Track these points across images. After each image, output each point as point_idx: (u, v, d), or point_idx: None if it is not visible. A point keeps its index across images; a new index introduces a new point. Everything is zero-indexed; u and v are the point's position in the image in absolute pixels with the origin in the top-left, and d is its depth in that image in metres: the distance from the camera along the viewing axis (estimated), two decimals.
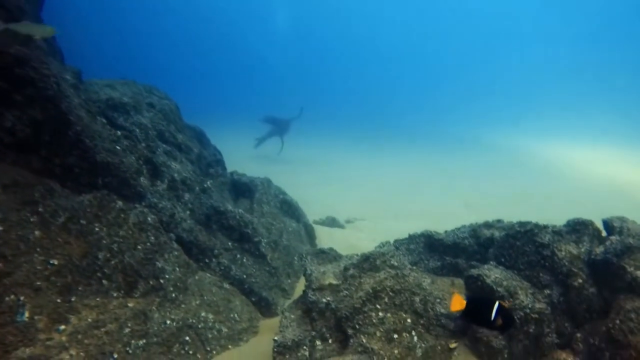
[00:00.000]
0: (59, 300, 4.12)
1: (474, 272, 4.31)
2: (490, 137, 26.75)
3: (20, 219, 4.54)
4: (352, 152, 22.07)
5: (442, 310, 4.19)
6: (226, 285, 5.45)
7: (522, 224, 4.69)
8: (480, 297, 3.91)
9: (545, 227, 4.50)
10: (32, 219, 4.59)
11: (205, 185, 6.32)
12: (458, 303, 3.57)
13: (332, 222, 10.20)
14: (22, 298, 3.84)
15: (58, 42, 6.54)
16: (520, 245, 4.55)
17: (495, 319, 3.33)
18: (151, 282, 4.64)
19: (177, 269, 4.94)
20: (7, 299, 3.86)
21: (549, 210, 11.10)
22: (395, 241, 5.78)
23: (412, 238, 5.67)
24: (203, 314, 4.89)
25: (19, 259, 4.01)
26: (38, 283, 4.05)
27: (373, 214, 11.71)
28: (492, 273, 4.22)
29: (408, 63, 49.83)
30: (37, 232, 4.50)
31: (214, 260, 5.50)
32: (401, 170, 18.02)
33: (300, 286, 6.23)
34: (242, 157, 16.32)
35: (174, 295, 4.75)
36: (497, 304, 3.35)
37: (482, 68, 47.09)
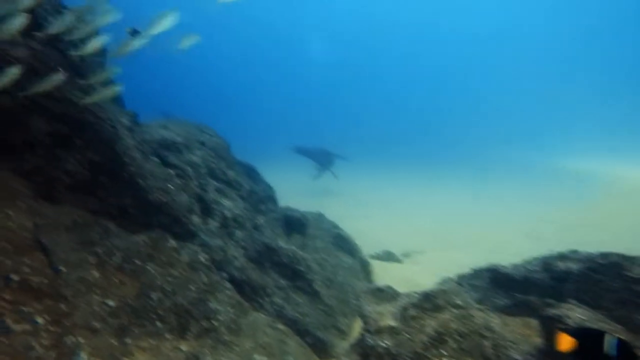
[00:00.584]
0: (114, 342, 4.10)
1: (553, 311, 3.87)
2: (545, 158, 25.40)
3: (79, 260, 4.63)
4: (401, 181, 21.61)
5: (517, 357, 3.76)
6: (280, 326, 5.28)
7: (603, 255, 4.21)
8: (589, 331, 3.37)
9: (633, 258, 4.00)
10: (90, 260, 4.67)
11: (257, 222, 6.27)
12: (566, 342, 3.06)
13: (388, 256, 9.86)
14: (80, 339, 3.85)
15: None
16: (606, 281, 4.06)
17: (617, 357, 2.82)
18: (204, 324, 4.56)
19: (230, 309, 4.84)
20: (66, 340, 3.88)
21: (622, 236, 10.14)
22: (458, 277, 5.40)
23: (476, 273, 5.27)
24: (257, 357, 4.72)
25: (78, 299, 4.06)
26: (95, 324, 4.06)
27: (429, 245, 11.24)
28: (575, 313, 3.77)
29: (451, 87, 48.52)
30: (95, 273, 4.56)
31: (266, 299, 5.37)
32: (453, 199, 17.37)
33: (357, 325, 5.94)
34: (292, 190, 16.19)
35: (227, 337, 4.63)
36: (616, 339, 2.86)
37: (527, 87, 45.17)
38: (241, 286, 5.38)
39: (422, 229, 13.08)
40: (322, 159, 17.29)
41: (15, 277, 4.19)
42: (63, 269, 4.42)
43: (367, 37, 49.77)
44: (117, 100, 6.59)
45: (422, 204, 16.74)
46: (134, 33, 7.99)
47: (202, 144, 6.35)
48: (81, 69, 4.77)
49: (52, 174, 4.74)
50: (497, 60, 48.65)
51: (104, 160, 4.69)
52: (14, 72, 3.90)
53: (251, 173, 8.85)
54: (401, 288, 5.06)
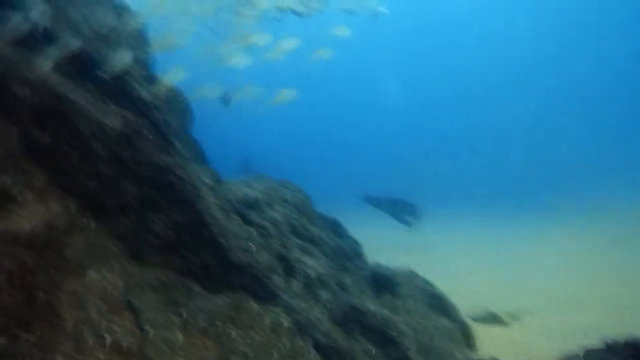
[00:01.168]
0: None
1: None
2: None
3: (165, 321, 4.64)
4: (498, 229, 19.65)
5: None
6: None
7: None
8: None
9: None
10: (175, 321, 4.67)
11: (343, 281, 5.95)
12: None
13: (491, 318, 8.83)
14: None
15: (201, 146, 7.22)
16: None
17: None
18: None
19: None
20: None
21: None
22: (585, 351, 4.47)
23: (611, 348, 4.31)
24: None
25: None
26: None
27: (541, 304, 9.91)
28: None
29: (550, 124, 44.18)
30: (179, 334, 4.53)
31: None
32: (563, 248, 15.35)
33: None
34: (379, 244, 15.23)
35: None
36: None
37: None
38: (327, 353, 5.01)
39: (531, 285, 11.69)
40: (396, 209, 15.70)
41: (108, 337, 4.28)
42: (149, 329, 4.45)
43: (447, 80, 48.23)
44: (199, 158, 6.86)
45: (527, 255, 15.07)
46: (226, 99, 8.42)
47: (284, 200, 6.31)
48: (165, 134, 5.00)
49: (141, 235, 4.90)
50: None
51: (186, 220, 4.77)
52: None
53: (336, 227, 8.61)
54: (510, 359, 4.31)
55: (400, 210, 15.80)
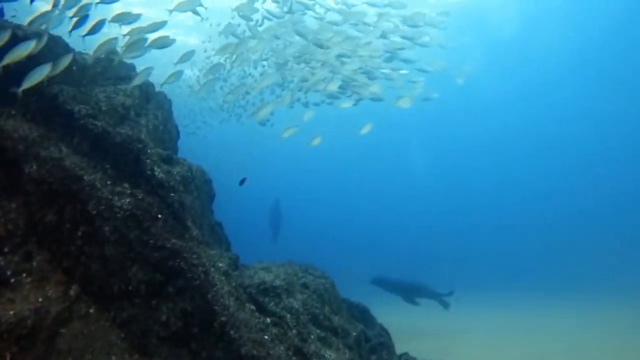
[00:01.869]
0: None
1: None
2: None
3: None
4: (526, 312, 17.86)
5: None
6: None
7: None
8: None
9: None
10: None
11: None
12: None
13: None
14: None
15: (225, 230, 6.94)
16: None
17: None
18: None
19: None
20: None
21: None
22: None
23: None
24: None
25: None
26: None
27: None
28: None
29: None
30: None
31: None
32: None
33: None
34: (406, 331, 13.77)
35: None
36: None
37: None
38: None
39: None
40: (408, 294, 14.17)
41: None
42: None
43: (471, 158, 47.30)
44: (220, 241, 6.55)
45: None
46: (242, 181, 8.50)
47: (305, 286, 5.82)
48: (179, 215, 4.75)
49: (146, 324, 4.50)
50: None
51: (195, 309, 4.38)
52: None
53: (364, 315, 7.94)
54: None
55: (406, 293, 14.34)
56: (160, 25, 6.16)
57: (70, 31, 5.86)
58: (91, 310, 4.64)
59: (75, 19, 5.77)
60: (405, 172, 46.69)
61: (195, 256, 4.47)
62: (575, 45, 30.04)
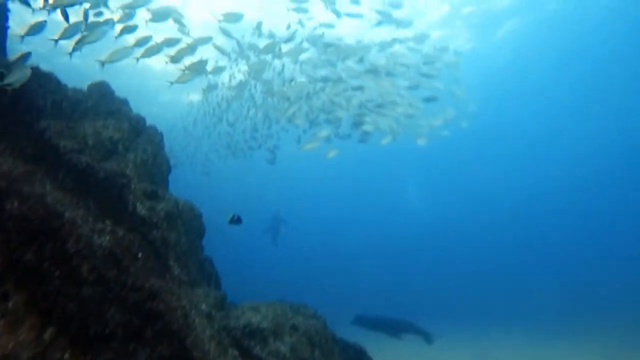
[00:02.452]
0: None
1: None
2: None
3: None
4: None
5: None
6: None
7: None
8: None
9: None
10: None
11: None
12: None
13: None
14: None
15: (213, 266, 6.72)
16: None
17: None
18: None
19: None
20: None
21: None
22: None
23: None
24: None
25: None
26: None
27: None
28: None
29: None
30: None
31: None
32: None
33: None
34: None
35: None
36: None
37: None
38: None
39: None
40: (392, 331, 13.78)
41: None
42: None
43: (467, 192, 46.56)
44: (208, 279, 6.32)
45: None
46: (235, 220, 8.32)
47: (295, 328, 5.55)
48: (160, 253, 4.57)
49: None
50: None
51: (173, 356, 4.10)
52: None
53: (360, 356, 7.59)
54: None
55: (391, 331, 13.96)
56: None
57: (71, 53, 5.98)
58: (66, 355, 4.40)
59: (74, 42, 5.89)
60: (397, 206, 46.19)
61: (175, 298, 4.26)
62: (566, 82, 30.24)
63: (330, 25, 9.33)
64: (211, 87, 9.76)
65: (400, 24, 9.35)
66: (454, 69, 9.86)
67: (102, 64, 6.21)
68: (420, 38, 9.48)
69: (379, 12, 9.34)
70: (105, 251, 4.31)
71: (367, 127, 9.53)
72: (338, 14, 9.15)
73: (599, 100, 32.02)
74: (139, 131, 6.21)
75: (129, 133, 5.82)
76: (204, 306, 4.82)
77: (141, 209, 4.72)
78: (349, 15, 9.23)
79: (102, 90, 6.23)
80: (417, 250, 42.52)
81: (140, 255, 4.45)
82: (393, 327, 13.53)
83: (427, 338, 14.32)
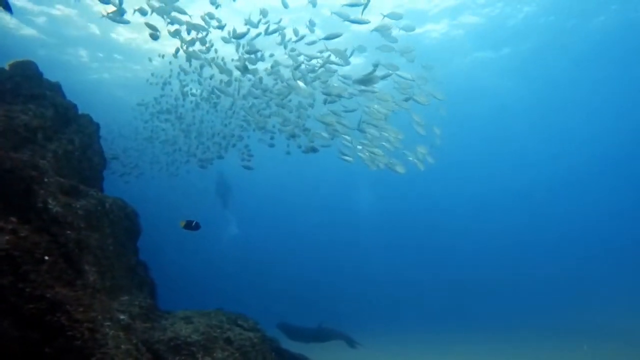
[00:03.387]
0: None
1: None
2: None
3: None
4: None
5: None
6: None
7: None
8: None
9: None
10: None
11: None
12: None
13: None
14: None
15: (147, 269, 6.13)
16: None
17: None
18: None
19: None
20: None
21: None
22: None
23: None
24: None
25: None
26: None
27: None
28: None
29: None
30: None
31: None
32: None
33: None
34: None
35: None
36: None
37: None
38: None
39: None
40: (312, 340, 13.52)
41: None
42: None
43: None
44: (142, 284, 5.73)
45: None
46: (193, 226, 7.77)
47: (229, 342, 5.03)
48: (73, 257, 3.97)
49: None
50: None
51: None
52: None
53: None
54: None
55: (326, 337, 13.73)
56: None
57: None
58: None
59: None
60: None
61: (81, 309, 3.68)
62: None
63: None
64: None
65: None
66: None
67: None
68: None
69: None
70: (1, 254, 3.69)
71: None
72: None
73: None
74: (68, 119, 5.56)
75: (53, 121, 5.17)
76: (123, 317, 4.25)
77: (54, 207, 4.10)
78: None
79: (26, 71, 5.55)
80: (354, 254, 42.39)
81: (46, 259, 3.84)
82: (312, 338, 13.29)
83: (350, 343, 14.28)
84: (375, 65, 7.67)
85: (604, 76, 27.20)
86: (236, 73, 9.20)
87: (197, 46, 8.54)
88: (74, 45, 19.44)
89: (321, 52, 8.47)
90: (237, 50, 9.11)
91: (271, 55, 10.29)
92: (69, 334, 3.56)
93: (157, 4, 6.93)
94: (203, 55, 8.63)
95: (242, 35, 8.32)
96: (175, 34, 7.99)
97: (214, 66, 8.77)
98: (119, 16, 5.98)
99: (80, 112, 5.96)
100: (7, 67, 5.62)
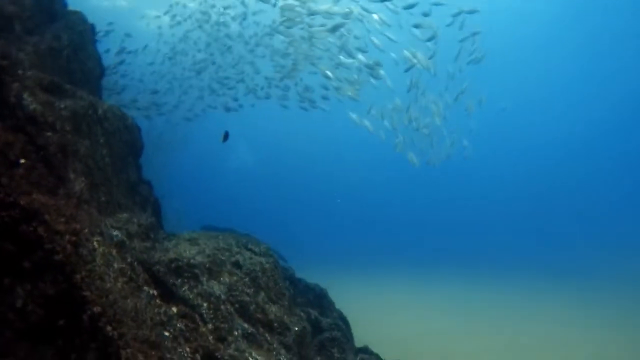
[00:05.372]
0: None
1: None
2: None
3: None
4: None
5: None
6: None
7: None
8: None
9: None
10: None
11: None
12: None
13: None
14: None
15: (150, 187, 5.59)
16: None
17: None
18: None
19: None
20: None
21: None
22: None
23: None
24: None
25: None
26: None
27: None
28: None
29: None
30: None
31: None
32: None
33: None
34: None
35: None
36: None
37: None
38: None
39: None
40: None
41: None
42: None
43: None
44: (145, 203, 5.21)
45: None
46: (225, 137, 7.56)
47: (237, 266, 4.54)
48: (54, 162, 3.38)
49: None
50: None
51: (60, 294, 3.03)
52: None
53: (320, 300, 6.76)
54: None
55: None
56: None
57: None
58: None
59: None
60: None
61: (62, 219, 3.13)
62: None
63: None
64: None
65: None
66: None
67: None
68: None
69: None
70: None
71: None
72: None
73: None
74: (54, 14, 4.79)
75: (33, 11, 4.40)
76: (117, 233, 3.72)
77: (30, 103, 3.45)
78: None
79: None
80: None
81: (22, 162, 3.25)
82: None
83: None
84: None
85: None
86: None
87: None
88: None
89: None
90: None
91: None
92: (48, 246, 3.03)
93: None
94: None
95: None
96: None
97: None
98: None
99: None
100: None
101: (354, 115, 10.07)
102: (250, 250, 5.07)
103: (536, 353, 9.77)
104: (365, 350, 6.19)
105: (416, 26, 8.45)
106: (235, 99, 12.68)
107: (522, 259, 23.33)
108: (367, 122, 9.97)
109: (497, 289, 16.94)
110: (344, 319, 6.52)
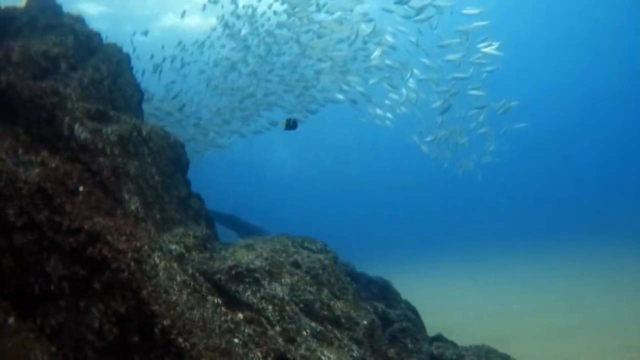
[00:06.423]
0: None
1: None
2: None
3: None
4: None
5: None
6: None
7: None
8: None
9: None
10: None
11: None
12: None
13: None
14: None
15: (201, 200, 5.70)
16: None
17: None
18: None
19: None
20: None
21: None
22: None
23: None
24: None
25: None
26: None
27: None
28: None
29: None
30: None
31: None
32: None
33: None
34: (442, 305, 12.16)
35: None
36: None
37: None
38: None
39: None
40: (232, 226, 12.45)
41: None
42: None
43: None
44: (198, 217, 5.32)
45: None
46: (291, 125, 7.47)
47: (296, 265, 4.53)
48: (109, 185, 3.49)
49: (77, 332, 3.32)
50: None
51: (130, 311, 3.13)
52: None
53: (384, 292, 6.64)
54: None
55: (230, 225, 12.59)
56: None
57: None
58: (10, 320, 3.52)
59: None
60: None
61: (123, 238, 3.23)
62: None
63: None
64: None
65: None
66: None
67: None
68: None
69: None
70: (32, 188, 3.27)
71: None
72: None
73: None
74: (92, 49, 5.02)
75: (75, 49, 4.64)
76: (175, 247, 3.81)
77: (81, 132, 3.62)
78: None
79: (42, 4, 5.00)
80: None
81: (80, 189, 3.40)
82: (230, 224, 12.51)
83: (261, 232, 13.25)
84: None
85: None
86: None
87: None
88: None
89: None
90: None
91: None
92: (113, 266, 3.13)
93: None
94: None
95: None
96: None
97: None
98: None
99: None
100: (22, 4, 5.11)
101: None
102: (307, 248, 5.05)
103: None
104: (439, 338, 6.01)
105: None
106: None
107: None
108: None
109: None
110: (412, 309, 6.35)
